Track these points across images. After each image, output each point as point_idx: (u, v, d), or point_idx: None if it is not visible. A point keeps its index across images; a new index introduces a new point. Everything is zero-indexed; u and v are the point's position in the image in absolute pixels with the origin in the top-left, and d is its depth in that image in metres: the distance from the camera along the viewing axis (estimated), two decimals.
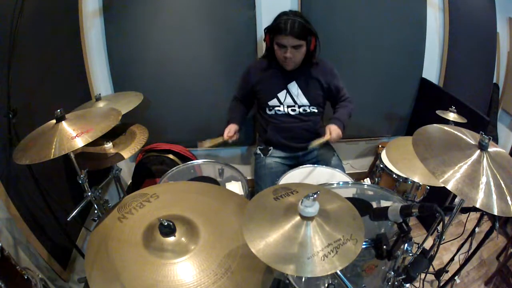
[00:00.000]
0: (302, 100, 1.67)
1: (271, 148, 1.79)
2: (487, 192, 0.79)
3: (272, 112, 1.71)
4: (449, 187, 0.79)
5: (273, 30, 1.53)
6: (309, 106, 1.69)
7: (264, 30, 1.60)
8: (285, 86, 1.67)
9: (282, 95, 1.67)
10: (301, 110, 1.69)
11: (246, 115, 1.88)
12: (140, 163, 2.05)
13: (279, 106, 1.69)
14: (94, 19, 1.86)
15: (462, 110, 1.62)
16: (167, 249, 0.86)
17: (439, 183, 0.80)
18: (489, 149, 0.87)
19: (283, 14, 1.52)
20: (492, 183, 0.80)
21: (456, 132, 0.96)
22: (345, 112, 1.70)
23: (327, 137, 1.53)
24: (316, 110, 1.71)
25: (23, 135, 1.09)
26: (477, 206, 0.77)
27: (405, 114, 2.29)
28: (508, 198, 0.79)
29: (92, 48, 1.90)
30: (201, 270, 0.81)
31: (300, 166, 1.56)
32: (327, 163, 1.68)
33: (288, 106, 1.68)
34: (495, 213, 0.77)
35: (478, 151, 0.86)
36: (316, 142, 1.51)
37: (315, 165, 1.59)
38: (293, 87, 1.66)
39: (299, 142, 1.75)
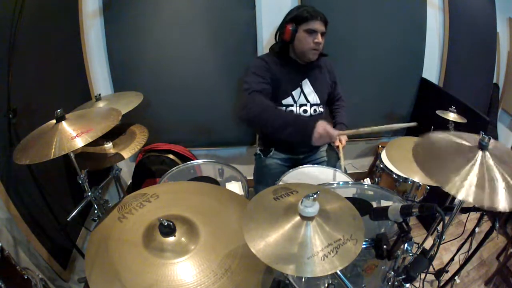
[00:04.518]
0: (315, 98, 1.60)
1: (272, 149, 1.72)
2: (503, 192, 0.77)
3: None
4: (460, 197, 0.77)
5: (301, 19, 1.43)
6: (319, 105, 1.61)
7: (285, 21, 1.49)
8: (299, 84, 1.57)
9: (296, 93, 1.57)
10: (312, 110, 1.59)
11: None
12: (140, 163, 2.05)
13: (292, 106, 1.57)
14: (94, 19, 1.86)
15: (462, 110, 1.62)
16: (167, 249, 0.85)
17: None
18: (489, 147, 0.86)
19: (302, 6, 1.56)
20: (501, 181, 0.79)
21: (454, 138, 0.94)
22: (346, 114, 1.72)
23: (340, 144, 1.55)
24: (323, 110, 1.65)
25: (23, 135, 1.08)
26: (500, 209, 0.74)
27: (405, 114, 2.30)
28: None
29: (92, 48, 1.90)
30: (201, 270, 0.81)
31: (300, 166, 1.55)
32: (327, 164, 1.68)
33: (300, 106, 1.58)
34: None
35: (480, 151, 0.86)
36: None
37: (315, 165, 1.59)
38: (306, 84, 1.58)
39: (304, 144, 1.72)
